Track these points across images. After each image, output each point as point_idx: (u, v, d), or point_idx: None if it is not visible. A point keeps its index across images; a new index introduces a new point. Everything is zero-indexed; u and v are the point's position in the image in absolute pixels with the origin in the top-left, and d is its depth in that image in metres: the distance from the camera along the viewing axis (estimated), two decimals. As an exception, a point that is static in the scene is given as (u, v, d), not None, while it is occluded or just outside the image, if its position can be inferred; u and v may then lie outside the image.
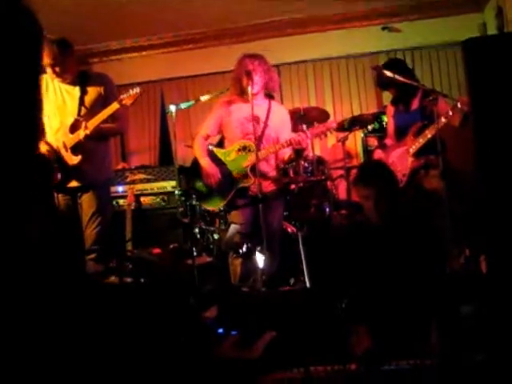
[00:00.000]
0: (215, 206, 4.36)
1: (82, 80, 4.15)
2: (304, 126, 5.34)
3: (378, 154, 4.66)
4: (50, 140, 4.10)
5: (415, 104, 4.55)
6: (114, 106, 3.94)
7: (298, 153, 4.37)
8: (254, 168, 4.03)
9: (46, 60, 3.94)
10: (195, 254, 3.76)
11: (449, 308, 2.73)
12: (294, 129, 4.83)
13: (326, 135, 4.20)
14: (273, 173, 4.37)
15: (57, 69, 4.03)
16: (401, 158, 4.42)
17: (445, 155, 4.12)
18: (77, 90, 4.12)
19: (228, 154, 4.24)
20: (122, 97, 3.95)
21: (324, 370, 2.69)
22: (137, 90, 3.96)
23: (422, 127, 4.36)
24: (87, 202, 4.14)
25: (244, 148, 4.15)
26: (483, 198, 2.00)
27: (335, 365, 2.66)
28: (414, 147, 4.36)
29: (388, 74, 4.39)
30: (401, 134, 4.58)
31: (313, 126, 4.34)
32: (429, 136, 4.24)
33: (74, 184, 4.11)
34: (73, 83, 4.15)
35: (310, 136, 4.09)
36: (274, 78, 4.37)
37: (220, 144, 4.86)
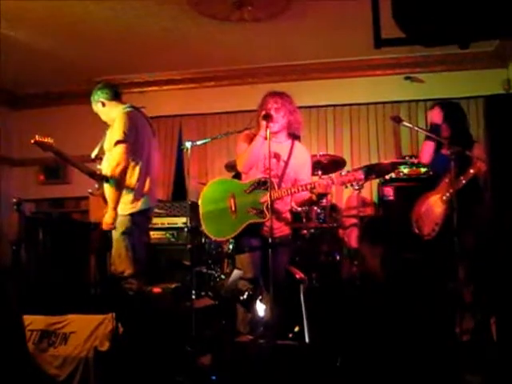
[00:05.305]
0: (223, 235, 4.23)
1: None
2: (319, 172, 5.25)
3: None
4: None
5: (445, 150, 4.44)
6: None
7: (320, 197, 4.25)
8: (269, 206, 3.90)
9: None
10: (194, 297, 3.63)
11: (453, 377, 2.60)
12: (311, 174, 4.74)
13: (351, 185, 3.98)
14: (287, 214, 4.26)
15: (102, 117, 4.39)
16: (434, 206, 4.28)
17: (481, 206, 3.97)
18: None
19: (245, 187, 4.12)
20: None
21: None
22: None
23: (458, 174, 4.22)
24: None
25: (263, 183, 4.03)
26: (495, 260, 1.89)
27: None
28: (447, 194, 4.22)
29: (407, 124, 4.33)
30: (437, 180, 4.46)
31: (338, 172, 4.15)
32: (461, 184, 4.11)
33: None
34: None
35: (337, 182, 3.92)
36: (298, 120, 4.29)
37: (237, 176, 4.77)
